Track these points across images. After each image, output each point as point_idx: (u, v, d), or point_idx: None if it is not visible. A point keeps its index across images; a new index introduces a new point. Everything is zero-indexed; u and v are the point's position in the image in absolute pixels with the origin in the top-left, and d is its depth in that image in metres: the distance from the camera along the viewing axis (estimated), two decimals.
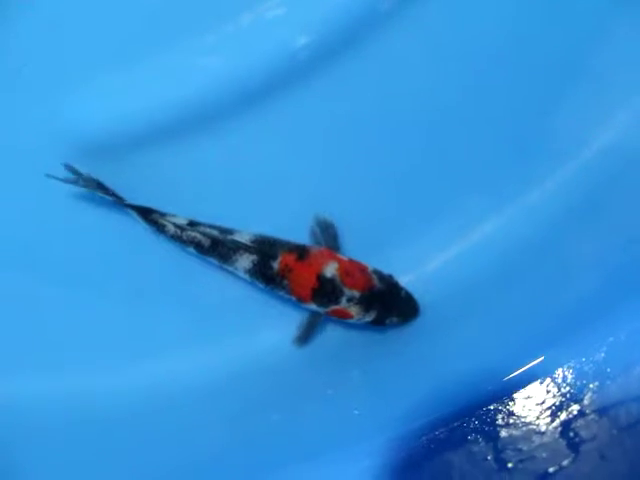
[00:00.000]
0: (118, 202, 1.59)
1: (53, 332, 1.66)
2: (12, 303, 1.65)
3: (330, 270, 1.52)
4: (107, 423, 1.62)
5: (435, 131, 1.66)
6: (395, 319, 1.55)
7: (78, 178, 1.58)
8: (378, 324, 1.55)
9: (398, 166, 1.66)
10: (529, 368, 1.56)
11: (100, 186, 1.58)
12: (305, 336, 1.59)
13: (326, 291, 1.51)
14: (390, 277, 1.56)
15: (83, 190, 1.59)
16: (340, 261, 1.53)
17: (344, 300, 1.51)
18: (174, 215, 1.59)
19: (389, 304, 1.53)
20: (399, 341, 1.62)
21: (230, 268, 1.58)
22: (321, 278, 1.52)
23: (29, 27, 1.61)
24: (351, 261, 1.55)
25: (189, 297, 1.67)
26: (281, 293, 1.56)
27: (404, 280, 1.60)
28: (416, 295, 1.58)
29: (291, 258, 1.53)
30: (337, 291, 1.51)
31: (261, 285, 1.57)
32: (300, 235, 1.58)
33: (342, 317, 1.54)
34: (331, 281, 1.51)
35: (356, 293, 1.51)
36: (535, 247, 1.65)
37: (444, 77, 1.64)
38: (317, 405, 1.62)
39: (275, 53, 1.59)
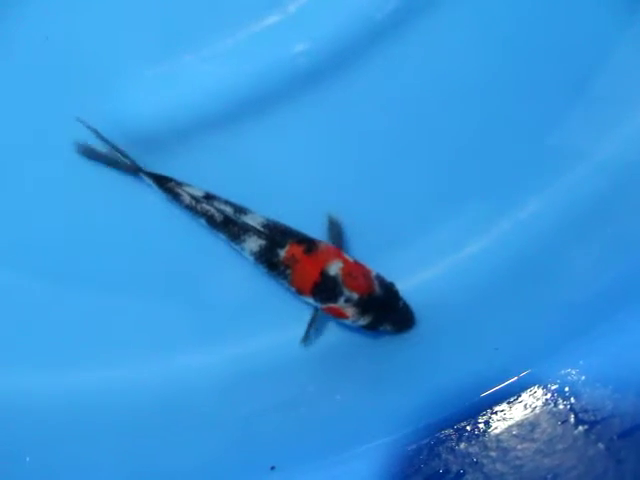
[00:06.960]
0: (134, 169, 1.62)
1: (65, 328, 1.66)
2: (22, 299, 1.67)
3: (334, 268, 1.53)
4: (122, 419, 1.61)
5: (438, 138, 1.68)
6: (389, 327, 1.56)
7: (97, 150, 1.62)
8: (371, 329, 1.56)
9: (399, 172, 1.68)
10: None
11: (118, 150, 1.62)
12: (307, 335, 1.59)
13: (326, 288, 1.52)
14: (392, 285, 1.57)
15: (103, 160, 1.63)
16: (345, 261, 1.54)
17: (342, 300, 1.52)
18: (191, 185, 1.61)
19: (385, 312, 1.54)
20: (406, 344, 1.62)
21: (237, 247, 1.59)
22: (324, 274, 1.53)
23: (72, 19, 1.66)
24: (356, 263, 1.56)
25: (211, 293, 1.68)
26: (282, 282, 1.57)
27: (403, 285, 1.59)
28: (414, 306, 1.59)
29: (299, 250, 1.54)
30: (337, 290, 1.52)
31: (264, 270, 1.58)
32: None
33: (337, 316, 1.55)
34: (333, 279, 1.52)
35: (355, 295, 1.52)
36: (530, 257, 1.65)
37: (446, 85, 1.67)
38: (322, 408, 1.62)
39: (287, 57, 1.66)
